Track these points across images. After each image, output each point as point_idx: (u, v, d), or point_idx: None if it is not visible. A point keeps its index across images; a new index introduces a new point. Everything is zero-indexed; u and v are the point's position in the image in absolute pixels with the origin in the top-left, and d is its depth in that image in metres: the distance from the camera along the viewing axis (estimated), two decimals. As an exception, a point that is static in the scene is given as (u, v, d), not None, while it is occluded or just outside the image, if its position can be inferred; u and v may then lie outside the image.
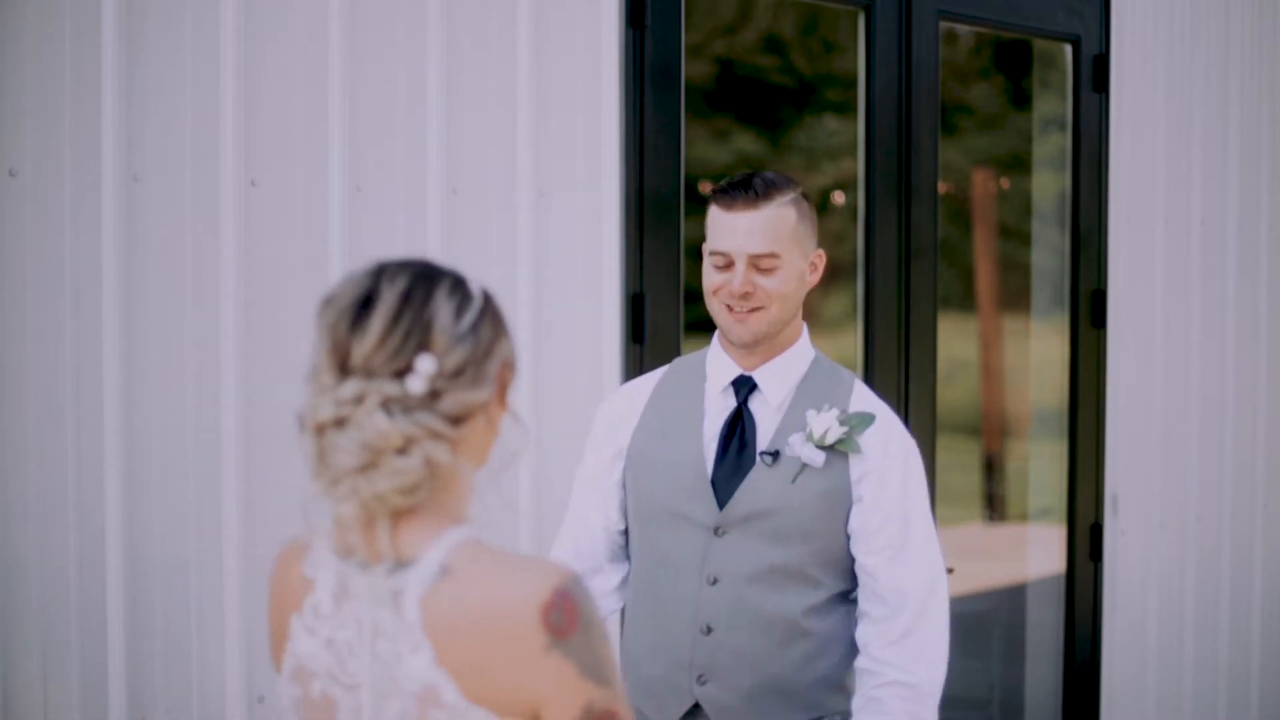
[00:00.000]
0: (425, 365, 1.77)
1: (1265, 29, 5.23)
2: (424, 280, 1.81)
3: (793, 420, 2.70)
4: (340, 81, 3.18)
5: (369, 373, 1.78)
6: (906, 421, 4.28)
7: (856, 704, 2.66)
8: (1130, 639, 4.90)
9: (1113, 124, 4.74)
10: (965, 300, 4.77)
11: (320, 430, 1.81)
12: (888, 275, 4.23)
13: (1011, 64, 4.88)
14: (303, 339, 3.17)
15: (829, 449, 2.67)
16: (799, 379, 2.74)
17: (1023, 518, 5.00)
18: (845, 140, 4.30)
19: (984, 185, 4.84)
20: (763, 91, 4.32)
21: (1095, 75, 4.71)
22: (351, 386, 1.78)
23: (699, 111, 3.97)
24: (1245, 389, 5.21)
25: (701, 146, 4.03)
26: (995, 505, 4.96)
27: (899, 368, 4.27)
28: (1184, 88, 4.95)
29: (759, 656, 2.67)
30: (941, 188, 4.40)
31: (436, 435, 1.79)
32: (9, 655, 2.83)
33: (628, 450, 2.76)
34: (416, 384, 1.77)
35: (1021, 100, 4.90)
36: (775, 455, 2.67)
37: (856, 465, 2.69)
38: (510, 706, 1.80)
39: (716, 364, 2.77)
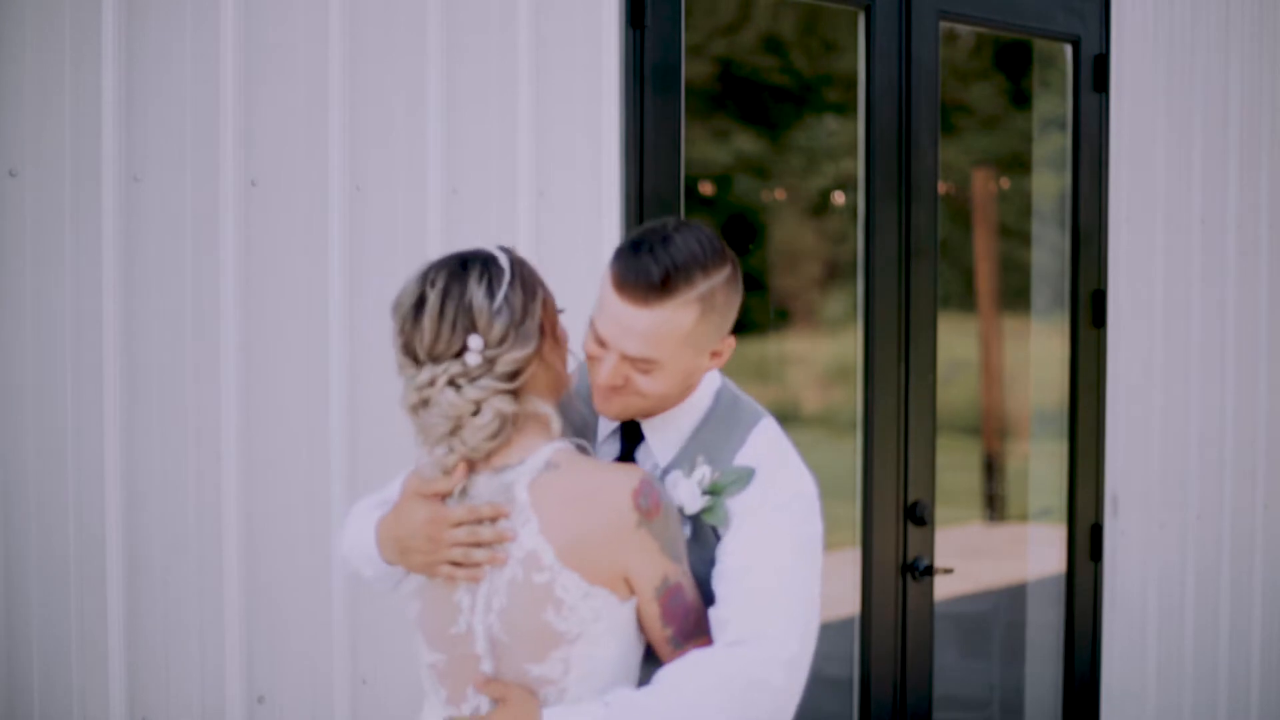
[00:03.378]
0: (475, 343, 2.22)
1: (1265, 29, 5.23)
2: (458, 275, 2.24)
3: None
4: (340, 81, 3.18)
5: (435, 359, 2.24)
6: (906, 421, 4.28)
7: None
8: (1130, 639, 4.90)
9: (1113, 124, 4.74)
10: (965, 300, 4.77)
11: (415, 411, 2.27)
12: (888, 275, 4.23)
13: (1011, 64, 4.88)
14: (303, 338, 3.18)
15: (695, 519, 2.32)
16: (691, 431, 2.37)
17: (1023, 518, 5.00)
18: (845, 140, 4.30)
19: (984, 185, 4.84)
20: (763, 91, 4.32)
21: (1095, 75, 4.71)
22: (425, 374, 2.24)
23: (699, 111, 3.97)
24: (1245, 389, 5.21)
25: (701, 146, 4.03)
26: (995, 505, 4.96)
27: (899, 368, 4.27)
28: (1184, 88, 4.95)
29: None
30: (941, 188, 4.40)
31: (499, 392, 2.23)
32: (9, 655, 2.83)
33: None
34: (473, 359, 2.22)
35: (1021, 100, 4.90)
36: None
37: (728, 536, 2.30)
38: (597, 574, 2.22)
39: None
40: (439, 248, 3.31)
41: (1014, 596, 4.93)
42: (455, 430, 2.25)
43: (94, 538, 2.90)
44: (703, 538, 2.32)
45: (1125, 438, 4.83)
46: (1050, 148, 4.85)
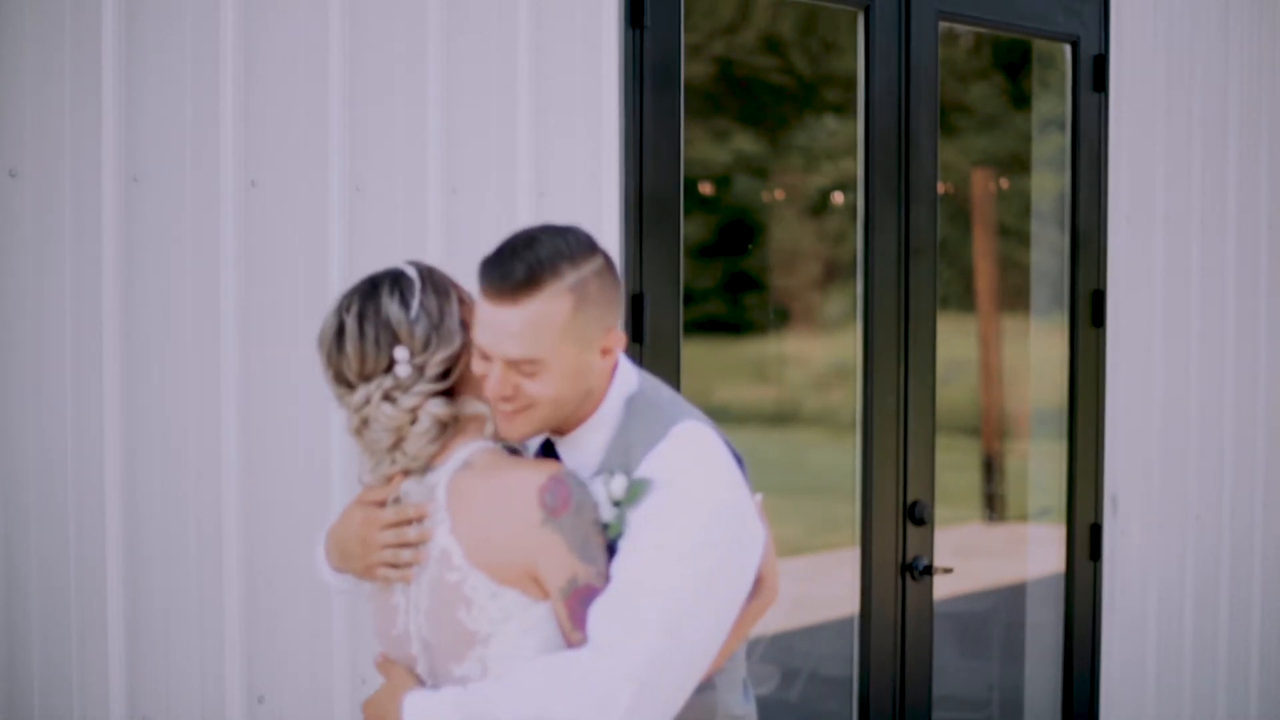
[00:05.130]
0: (401, 354, 2.29)
1: (1265, 29, 5.24)
2: (369, 296, 2.32)
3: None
4: (340, 81, 3.18)
5: (367, 379, 2.31)
6: (906, 421, 4.28)
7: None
8: (1130, 639, 4.90)
9: (1112, 124, 4.74)
10: (965, 300, 4.77)
11: (358, 433, 2.35)
12: (888, 275, 4.23)
13: (1011, 64, 4.88)
14: (303, 338, 3.18)
15: (606, 530, 2.29)
16: (606, 444, 2.34)
17: (1022, 518, 5.01)
18: (845, 140, 4.30)
19: (983, 185, 4.84)
20: (763, 91, 4.32)
21: (1095, 75, 4.71)
22: (360, 394, 2.32)
23: (699, 111, 3.97)
24: (1245, 389, 5.21)
25: (701, 146, 4.03)
26: (995, 505, 4.96)
27: (899, 368, 4.27)
28: (1183, 88, 4.95)
29: None
30: (941, 188, 4.40)
31: (433, 395, 2.31)
32: (10, 655, 2.83)
33: None
34: (403, 370, 2.30)
35: (1021, 100, 4.90)
36: None
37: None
38: (505, 573, 2.25)
39: None
40: (439, 248, 3.31)
41: (1014, 596, 4.93)
42: (398, 443, 2.32)
43: (94, 536, 2.90)
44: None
45: (1125, 438, 4.83)
46: (1050, 148, 4.85)
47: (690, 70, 3.80)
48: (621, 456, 2.31)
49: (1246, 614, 5.28)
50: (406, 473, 2.35)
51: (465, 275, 3.36)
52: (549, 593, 2.26)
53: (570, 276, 2.24)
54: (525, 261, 2.22)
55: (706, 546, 2.25)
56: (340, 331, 2.32)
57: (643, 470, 2.27)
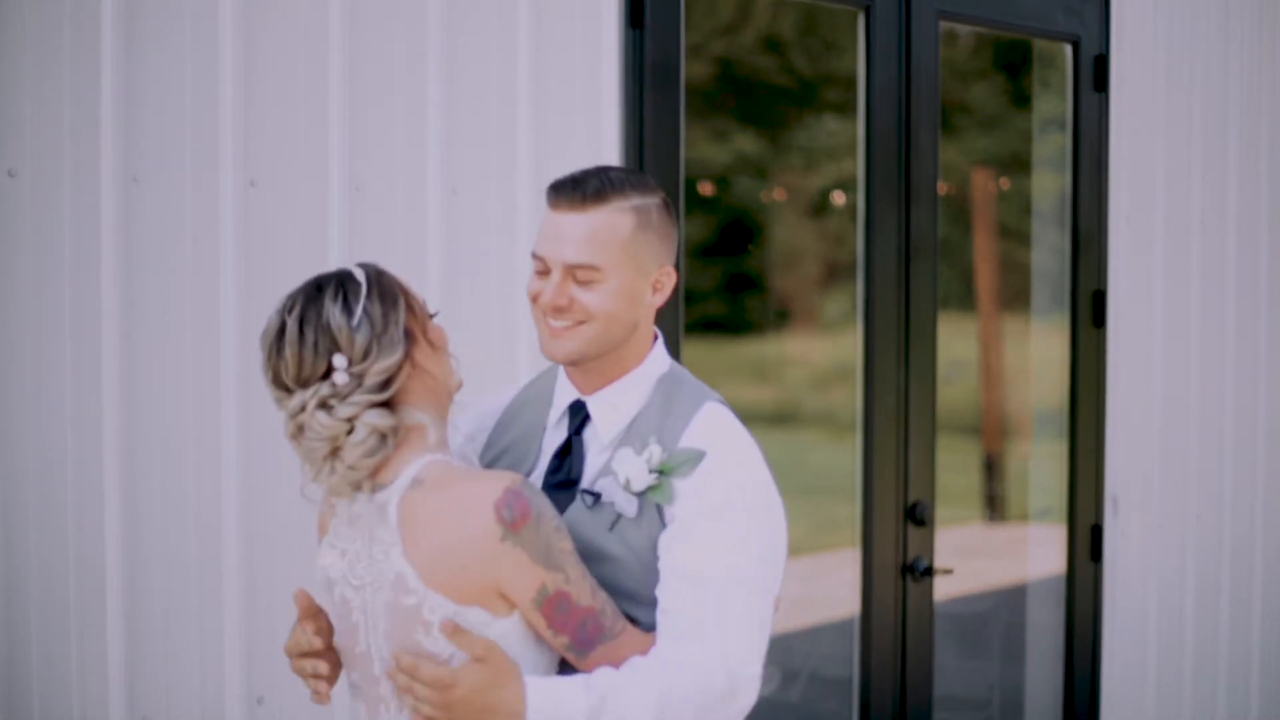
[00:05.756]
0: (339, 362, 2.21)
1: (1265, 29, 5.24)
2: (313, 298, 2.24)
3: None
4: (340, 81, 3.18)
5: (304, 384, 2.23)
6: (906, 421, 4.28)
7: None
8: (1130, 639, 4.90)
9: (1113, 124, 4.74)
10: (965, 300, 4.77)
11: (295, 439, 2.27)
12: (888, 275, 4.23)
13: (1011, 64, 4.88)
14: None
15: (642, 496, 2.31)
16: (639, 407, 2.39)
17: (1023, 518, 5.01)
18: (845, 140, 4.30)
19: (984, 185, 4.84)
20: (763, 91, 4.32)
21: (1095, 75, 4.71)
22: (296, 400, 2.24)
23: (699, 111, 3.97)
24: (1245, 389, 5.21)
25: (701, 146, 4.03)
26: (995, 505, 4.96)
27: (899, 368, 4.27)
28: (1184, 88, 4.95)
29: None
30: (941, 188, 4.40)
31: (372, 405, 2.22)
32: (9, 655, 2.83)
33: None
34: (340, 378, 2.21)
35: (1021, 100, 4.90)
36: (597, 497, 2.34)
37: (670, 515, 2.31)
38: (466, 593, 2.19)
39: (561, 387, 2.46)
40: (439, 248, 3.31)
41: (1014, 597, 4.93)
42: (334, 452, 2.24)
43: (94, 536, 2.90)
44: (648, 515, 2.32)
45: (1125, 438, 4.83)
46: (1050, 148, 4.85)
47: (690, 70, 3.80)
48: (654, 426, 2.35)
49: (1246, 614, 5.28)
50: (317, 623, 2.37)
51: (465, 274, 3.37)
52: (519, 605, 2.22)
53: (635, 199, 2.34)
54: (597, 178, 2.33)
55: (776, 537, 2.34)
56: (280, 332, 2.24)
57: (688, 442, 2.32)
